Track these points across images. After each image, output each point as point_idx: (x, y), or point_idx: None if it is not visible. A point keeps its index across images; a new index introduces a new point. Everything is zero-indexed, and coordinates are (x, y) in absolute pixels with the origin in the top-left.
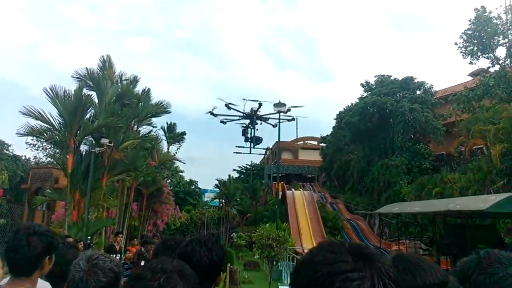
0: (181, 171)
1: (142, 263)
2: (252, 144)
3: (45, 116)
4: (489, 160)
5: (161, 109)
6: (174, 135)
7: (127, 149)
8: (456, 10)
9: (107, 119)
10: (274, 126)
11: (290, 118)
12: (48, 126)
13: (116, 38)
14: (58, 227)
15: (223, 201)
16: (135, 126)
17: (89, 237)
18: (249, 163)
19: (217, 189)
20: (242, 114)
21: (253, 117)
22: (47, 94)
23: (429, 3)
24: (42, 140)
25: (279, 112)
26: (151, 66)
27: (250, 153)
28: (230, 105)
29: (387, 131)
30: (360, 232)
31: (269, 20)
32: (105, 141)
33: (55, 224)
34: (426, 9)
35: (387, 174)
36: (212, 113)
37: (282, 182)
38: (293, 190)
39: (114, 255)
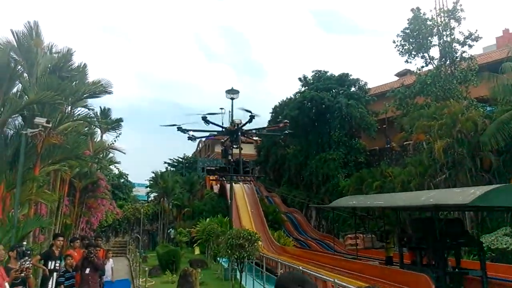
0: (117, 162)
1: (87, 270)
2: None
3: None
4: (430, 154)
5: (100, 88)
6: (109, 122)
7: (66, 133)
8: (385, 12)
9: (40, 93)
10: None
11: (250, 115)
12: None
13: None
14: None
15: (161, 195)
16: (69, 108)
17: (24, 243)
18: (181, 156)
19: (148, 182)
20: (221, 129)
21: (236, 133)
22: None
23: (355, 5)
24: None
25: (232, 99)
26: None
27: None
28: (207, 119)
29: (324, 126)
30: (298, 225)
31: (199, 13)
32: (40, 120)
33: None
34: (352, 11)
35: (325, 167)
36: (180, 129)
37: (215, 176)
38: (232, 183)
39: (53, 262)
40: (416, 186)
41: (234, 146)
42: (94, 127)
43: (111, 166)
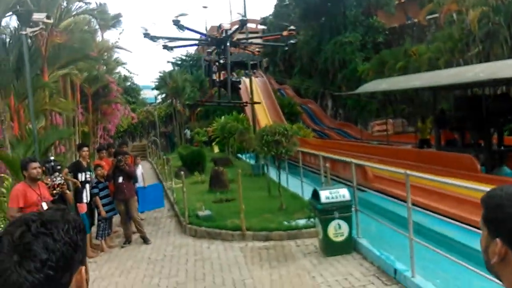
0: (123, 64)
1: (120, 179)
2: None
3: None
4: (460, 27)
5: None
6: (108, 19)
7: (69, 31)
8: None
9: None
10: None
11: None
12: None
13: None
14: None
15: (171, 96)
16: (64, 2)
17: (51, 156)
18: (184, 54)
19: (154, 84)
20: (204, 37)
21: (224, 42)
22: None
23: None
24: None
25: None
26: None
27: (218, 104)
28: (181, 24)
29: (338, 5)
30: (314, 116)
31: None
32: (39, 16)
33: None
34: None
35: (341, 52)
36: (148, 36)
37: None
38: (243, 77)
39: (83, 174)
40: (444, 63)
41: (221, 61)
42: (94, 24)
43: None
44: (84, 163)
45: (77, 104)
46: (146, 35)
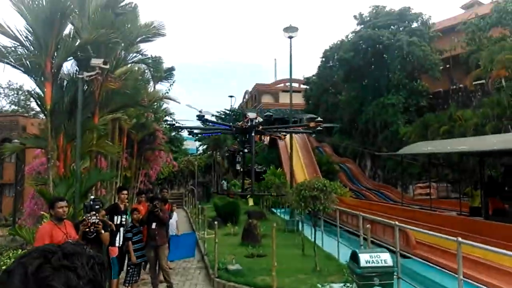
0: (171, 114)
1: (154, 225)
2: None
3: (7, 28)
4: (509, 93)
5: (153, 31)
6: (161, 71)
7: (124, 78)
8: None
9: (95, 31)
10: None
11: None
12: (14, 43)
13: None
14: (39, 183)
15: (213, 147)
16: (122, 53)
17: (92, 196)
18: (228, 108)
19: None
20: (229, 128)
21: (249, 132)
22: None
23: None
24: (3, 88)
25: (290, 38)
26: None
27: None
28: (205, 119)
29: (381, 68)
30: (352, 175)
31: None
32: (97, 61)
33: (33, 179)
34: None
35: (383, 114)
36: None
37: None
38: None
39: (119, 217)
40: (491, 130)
41: (245, 150)
42: (147, 75)
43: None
44: (122, 206)
45: (123, 149)
46: (177, 128)
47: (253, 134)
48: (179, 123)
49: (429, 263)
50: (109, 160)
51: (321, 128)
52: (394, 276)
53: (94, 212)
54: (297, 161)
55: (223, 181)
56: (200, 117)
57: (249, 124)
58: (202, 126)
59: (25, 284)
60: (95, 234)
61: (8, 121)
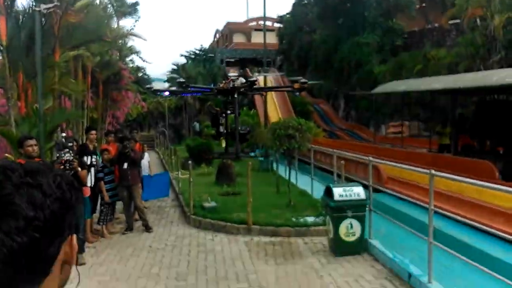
0: (137, 52)
1: (125, 165)
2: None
3: None
4: (483, 33)
5: None
6: (124, 5)
7: (85, 11)
8: None
9: None
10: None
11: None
12: None
13: None
14: (0, 124)
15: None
16: None
17: (63, 134)
18: (198, 47)
19: (166, 76)
20: (209, 90)
21: (232, 94)
22: None
23: None
24: None
25: None
26: None
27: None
28: (186, 85)
29: (357, 6)
30: (325, 116)
31: None
32: None
33: None
34: None
35: (358, 53)
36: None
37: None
38: (256, 74)
39: (89, 157)
40: (464, 69)
41: (228, 112)
42: (109, 10)
43: (130, 57)
44: (91, 147)
45: (87, 88)
46: (156, 91)
47: (235, 96)
48: (158, 90)
49: (400, 197)
50: (74, 100)
51: (305, 88)
52: (366, 209)
53: (67, 150)
54: (271, 102)
55: (195, 123)
56: (181, 84)
57: (231, 85)
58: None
59: None
60: (71, 172)
61: None
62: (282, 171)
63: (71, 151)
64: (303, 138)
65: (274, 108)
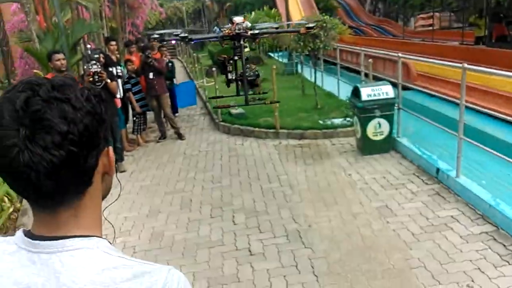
0: None
1: (151, 75)
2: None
3: None
4: None
5: None
6: None
7: None
8: None
9: None
10: None
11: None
12: None
13: None
14: (24, 40)
15: None
16: None
17: (88, 46)
18: None
19: None
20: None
21: (238, 40)
22: None
23: None
24: None
25: None
26: None
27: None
28: (190, 38)
29: None
30: (351, 11)
31: None
32: None
33: (17, 37)
34: None
35: None
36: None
37: None
38: None
39: (114, 69)
40: None
41: (236, 58)
42: None
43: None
44: (114, 58)
45: None
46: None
47: (241, 42)
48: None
49: (430, 94)
50: (91, 11)
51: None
52: (395, 107)
53: (94, 62)
54: None
55: (215, 27)
56: (184, 39)
57: (236, 30)
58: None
59: (16, 120)
60: (101, 84)
61: None
62: (307, 73)
63: (98, 63)
64: (327, 37)
65: (296, 5)
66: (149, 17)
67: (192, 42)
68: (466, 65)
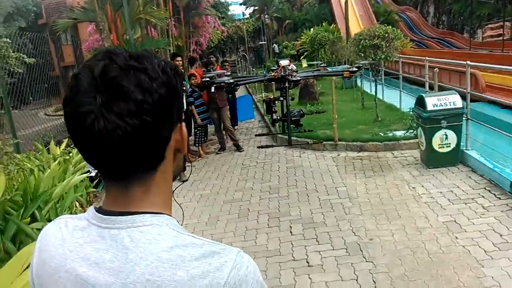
0: None
1: (213, 89)
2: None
3: None
4: None
5: None
6: None
7: None
8: None
9: None
10: None
11: None
12: None
13: None
14: None
15: (260, 9)
16: None
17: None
18: None
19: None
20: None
21: (283, 83)
22: None
23: None
24: None
25: None
26: None
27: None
28: None
29: None
30: (412, 25)
31: None
32: None
33: (92, 54)
34: None
35: None
36: None
37: None
38: None
39: None
40: None
41: (281, 98)
42: None
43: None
44: None
45: (170, 16)
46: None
47: (287, 84)
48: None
49: (500, 104)
50: (159, 29)
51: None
52: (463, 118)
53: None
54: (351, 14)
55: (274, 45)
56: (229, 84)
57: (281, 73)
58: None
59: (93, 87)
60: None
61: (55, 3)
62: (367, 87)
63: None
64: (390, 47)
65: (355, 19)
66: (212, 36)
67: (237, 88)
68: None
